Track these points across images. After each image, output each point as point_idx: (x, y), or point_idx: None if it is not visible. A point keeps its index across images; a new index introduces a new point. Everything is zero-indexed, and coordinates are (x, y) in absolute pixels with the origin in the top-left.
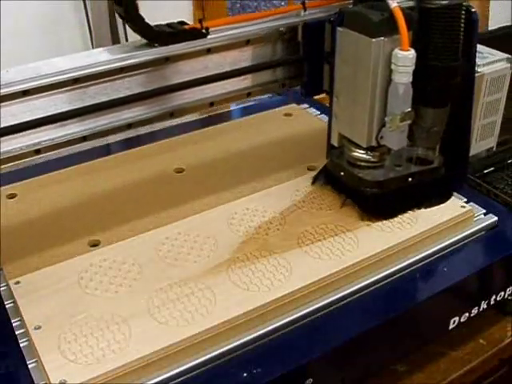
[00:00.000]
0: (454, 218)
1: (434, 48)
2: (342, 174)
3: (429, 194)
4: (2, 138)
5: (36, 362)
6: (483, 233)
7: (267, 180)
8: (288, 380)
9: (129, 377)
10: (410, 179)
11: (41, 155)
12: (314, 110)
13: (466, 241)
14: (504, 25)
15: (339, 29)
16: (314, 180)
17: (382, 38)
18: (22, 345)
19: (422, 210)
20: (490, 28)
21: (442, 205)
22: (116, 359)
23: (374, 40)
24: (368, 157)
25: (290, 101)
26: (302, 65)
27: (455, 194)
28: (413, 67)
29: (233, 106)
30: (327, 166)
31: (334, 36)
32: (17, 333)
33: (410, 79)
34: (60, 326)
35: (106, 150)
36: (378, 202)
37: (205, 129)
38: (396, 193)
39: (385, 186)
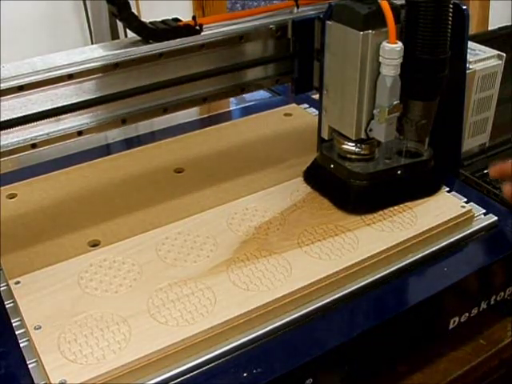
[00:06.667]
0: (453, 218)
1: (422, 41)
2: (332, 166)
3: (418, 186)
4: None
5: (36, 362)
6: (483, 233)
7: (267, 180)
8: (288, 380)
9: (129, 377)
10: (399, 172)
11: (37, 149)
12: (314, 109)
13: (465, 241)
14: (504, 25)
15: (328, 22)
16: (304, 175)
17: (370, 31)
18: (21, 345)
19: (422, 209)
20: (490, 28)
21: (440, 203)
22: (116, 359)
23: (361, 33)
24: (358, 149)
25: (290, 101)
26: (294, 61)
27: (455, 194)
28: (400, 60)
29: (233, 106)
30: (317, 159)
31: (323, 32)
32: (17, 333)
33: (398, 72)
34: (60, 326)
35: (106, 150)
36: (367, 194)
37: (205, 129)
38: (385, 185)
39: (374, 178)
